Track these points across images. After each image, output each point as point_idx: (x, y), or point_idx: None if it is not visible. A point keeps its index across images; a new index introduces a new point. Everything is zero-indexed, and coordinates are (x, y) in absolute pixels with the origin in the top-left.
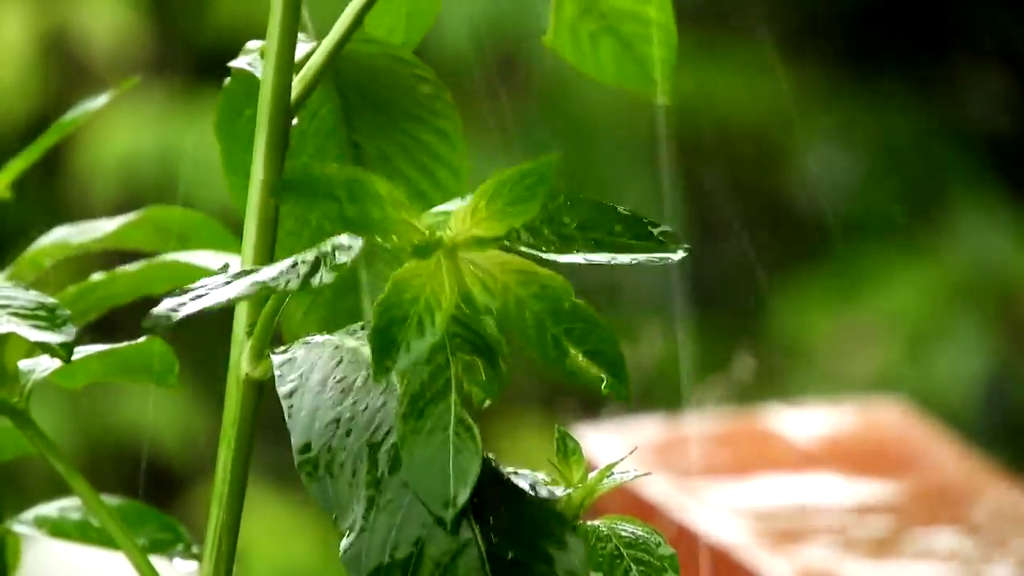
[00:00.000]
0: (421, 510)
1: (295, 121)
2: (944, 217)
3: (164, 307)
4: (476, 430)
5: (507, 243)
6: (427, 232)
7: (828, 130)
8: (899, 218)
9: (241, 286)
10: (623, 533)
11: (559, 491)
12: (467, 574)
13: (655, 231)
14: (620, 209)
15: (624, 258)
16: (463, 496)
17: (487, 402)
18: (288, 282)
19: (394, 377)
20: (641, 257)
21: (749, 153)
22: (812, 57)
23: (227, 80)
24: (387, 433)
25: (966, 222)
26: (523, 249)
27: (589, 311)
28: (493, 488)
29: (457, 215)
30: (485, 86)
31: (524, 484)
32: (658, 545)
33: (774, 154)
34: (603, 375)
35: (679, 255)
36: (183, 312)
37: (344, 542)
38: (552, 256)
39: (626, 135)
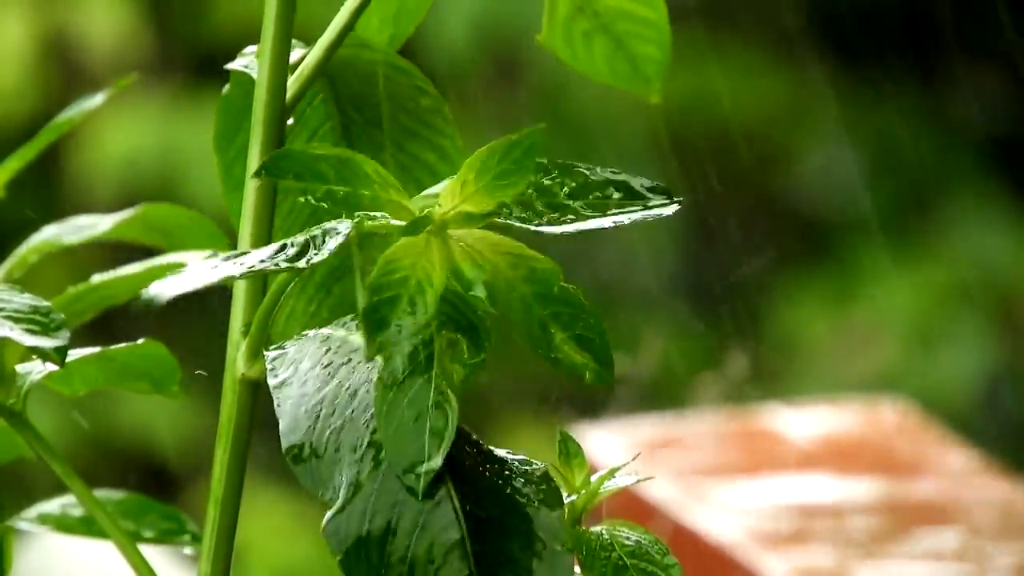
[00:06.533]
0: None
1: (296, 140)
2: (944, 217)
3: (152, 290)
4: (455, 405)
5: (499, 218)
6: (416, 210)
7: (828, 130)
8: (899, 218)
9: (228, 267)
10: (626, 542)
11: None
12: (442, 531)
13: (646, 188)
14: (611, 173)
15: (615, 220)
16: (436, 461)
17: (467, 380)
18: (276, 264)
19: (379, 357)
20: (636, 216)
21: (749, 153)
22: (812, 57)
23: (225, 88)
24: (368, 407)
25: (966, 222)
26: (516, 224)
27: (577, 296)
28: (469, 451)
29: (446, 191)
30: (485, 86)
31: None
32: (662, 554)
33: (774, 154)
34: (588, 361)
35: (671, 210)
36: (169, 292)
37: (326, 516)
38: (547, 228)
39: (626, 135)
